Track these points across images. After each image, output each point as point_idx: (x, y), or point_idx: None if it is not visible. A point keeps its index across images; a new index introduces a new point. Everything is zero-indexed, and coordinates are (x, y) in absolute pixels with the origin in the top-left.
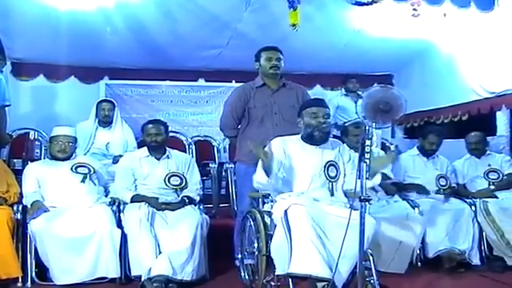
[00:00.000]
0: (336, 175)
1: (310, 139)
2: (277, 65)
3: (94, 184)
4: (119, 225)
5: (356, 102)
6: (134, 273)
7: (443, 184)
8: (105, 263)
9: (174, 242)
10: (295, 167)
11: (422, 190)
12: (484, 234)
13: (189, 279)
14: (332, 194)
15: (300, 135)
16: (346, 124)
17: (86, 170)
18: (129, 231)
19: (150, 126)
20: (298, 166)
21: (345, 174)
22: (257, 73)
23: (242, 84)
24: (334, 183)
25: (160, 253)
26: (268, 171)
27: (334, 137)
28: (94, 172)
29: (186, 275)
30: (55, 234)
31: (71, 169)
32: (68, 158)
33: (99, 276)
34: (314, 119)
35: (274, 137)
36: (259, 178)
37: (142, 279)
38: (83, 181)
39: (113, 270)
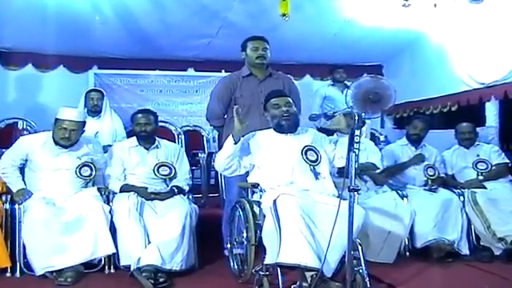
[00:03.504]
0: (317, 159)
1: (281, 129)
2: (263, 54)
3: (93, 185)
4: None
5: (343, 92)
6: (123, 263)
7: (431, 174)
8: (101, 242)
9: (163, 231)
10: (273, 157)
11: (416, 160)
12: (472, 224)
13: (178, 269)
14: (316, 178)
15: (272, 128)
16: (336, 113)
17: (88, 172)
18: (118, 221)
19: (140, 115)
20: (275, 156)
21: (321, 158)
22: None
23: (228, 74)
24: (315, 167)
25: (149, 243)
26: (236, 139)
27: (321, 128)
28: (96, 174)
29: (176, 265)
30: (50, 219)
31: (75, 172)
32: (72, 145)
33: (99, 256)
34: (277, 110)
35: (260, 126)
36: (226, 145)
37: (131, 269)
38: (85, 186)
39: (108, 247)
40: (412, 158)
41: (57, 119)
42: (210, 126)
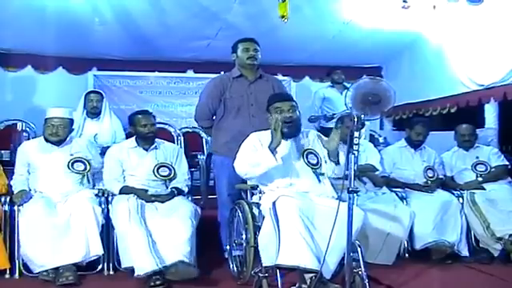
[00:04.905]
0: (317, 162)
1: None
2: (254, 55)
3: (89, 182)
4: (107, 217)
5: (342, 93)
6: (125, 265)
7: (431, 176)
8: (92, 243)
9: (169, 231)
10: None
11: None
12: (471, 225)
13: (187, 260)
14: (319, 181)
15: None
16: (335, 115)
17: (82, 167)
18: (118, 223)
19: (141, 116)
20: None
21: (325, 160)
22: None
23: (218, 75)
24: (317, 170)
25: (154, 243)
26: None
27: (322, 128)
28: (90, 169)
29: (182, 256)
30: (43, 221)
31: (67, 166)
32: (62, 141)
33: (90, 256)
34: (280, 115)
35: (250, 127)
36: (267, 160)
37: (135, 273)
38: (81, 182)
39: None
40: (417, 184)
41: (46, 119)
42: (198, 126)
